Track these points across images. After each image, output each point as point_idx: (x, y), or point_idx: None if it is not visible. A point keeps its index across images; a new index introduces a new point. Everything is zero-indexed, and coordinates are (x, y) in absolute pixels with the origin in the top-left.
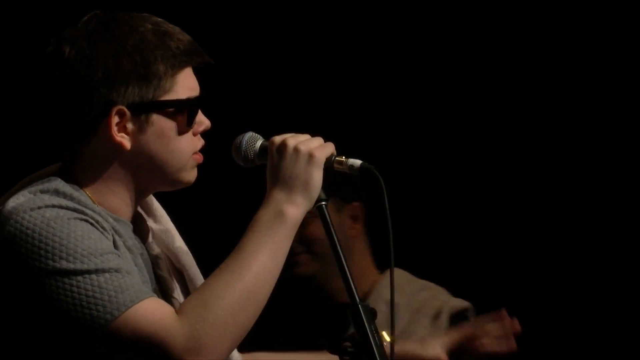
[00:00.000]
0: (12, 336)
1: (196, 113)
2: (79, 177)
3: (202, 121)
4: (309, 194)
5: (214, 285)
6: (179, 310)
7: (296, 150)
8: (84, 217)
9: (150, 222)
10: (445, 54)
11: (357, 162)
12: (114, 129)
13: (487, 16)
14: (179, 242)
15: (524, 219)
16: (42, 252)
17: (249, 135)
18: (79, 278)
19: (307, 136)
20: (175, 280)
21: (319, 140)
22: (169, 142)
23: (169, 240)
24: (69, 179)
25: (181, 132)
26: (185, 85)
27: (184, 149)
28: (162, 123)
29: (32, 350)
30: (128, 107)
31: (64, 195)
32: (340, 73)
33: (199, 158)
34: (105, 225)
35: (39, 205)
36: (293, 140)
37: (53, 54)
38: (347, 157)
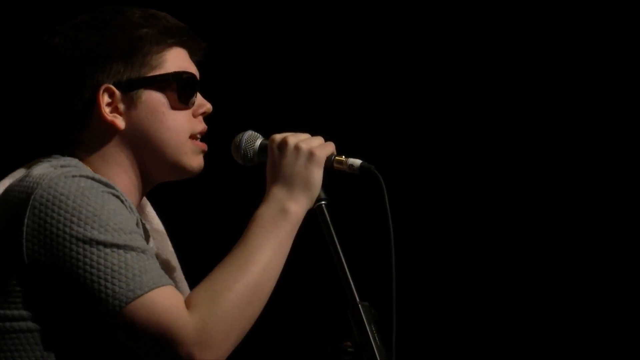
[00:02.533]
0: (30, 300)
1: (192, 91)
2: (86, 162)
3: (202, 104)
4: (309, 192)
5: (223, 278)
6: (188, 303)
7: (297, 148)
8: (115, 192)
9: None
10: (445, 55)
11: (357, 161)
12: (105, 108)
13: (487, 16)
14: (169, 245)
15: (524, 219)
16: (74, 218)
17: (249, 133)
18: (108, 250)
19: (307, 135)
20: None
21: (319, 139)
22: (163, 118)
23: (163, 242)
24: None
25: (174, 107)
26: (175, 63)
27: (179, 125)
28: (152, 98)
29: (44, 315)
30: (115, 85)
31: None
32: (340, 73)
33: (202, 145)
34: (132, 205)
35: (73, 174)
36: (294, 138)
37: (43, 45)
38: (347, 157)
